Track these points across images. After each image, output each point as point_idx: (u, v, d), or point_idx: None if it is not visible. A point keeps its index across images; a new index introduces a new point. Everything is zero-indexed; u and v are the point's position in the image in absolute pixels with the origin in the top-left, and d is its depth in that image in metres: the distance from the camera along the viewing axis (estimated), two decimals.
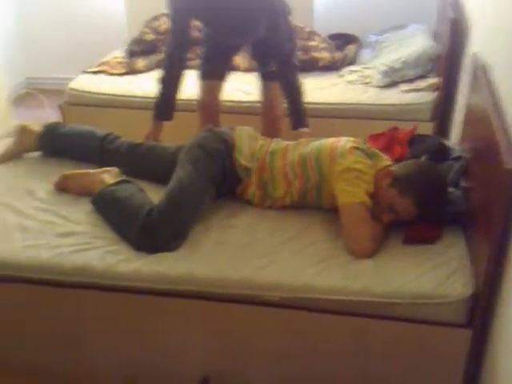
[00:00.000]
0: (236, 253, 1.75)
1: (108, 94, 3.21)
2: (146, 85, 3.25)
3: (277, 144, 2.04)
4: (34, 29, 4.28)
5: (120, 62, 3.54)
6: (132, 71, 3.45)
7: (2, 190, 2.14)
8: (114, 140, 2.31)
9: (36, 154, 2.42)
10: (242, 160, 1.98)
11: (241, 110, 2.96)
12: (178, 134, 2.37)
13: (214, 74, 2.63)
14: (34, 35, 4.29)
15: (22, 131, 2.40)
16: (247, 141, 2.04)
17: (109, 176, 2.10)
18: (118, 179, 2.05)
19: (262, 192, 1.97)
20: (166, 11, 3.64)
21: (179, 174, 1.95)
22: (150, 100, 3.01)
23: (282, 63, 2.43)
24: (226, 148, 2.02)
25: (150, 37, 3.62)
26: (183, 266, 1.70)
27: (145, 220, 1.81)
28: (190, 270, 1.69)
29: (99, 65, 3.53)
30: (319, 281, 1.62)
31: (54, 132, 2.38)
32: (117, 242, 1.83)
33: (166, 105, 2.45)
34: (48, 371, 1.89)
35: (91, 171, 2.14)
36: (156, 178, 2.15)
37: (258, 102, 2.79)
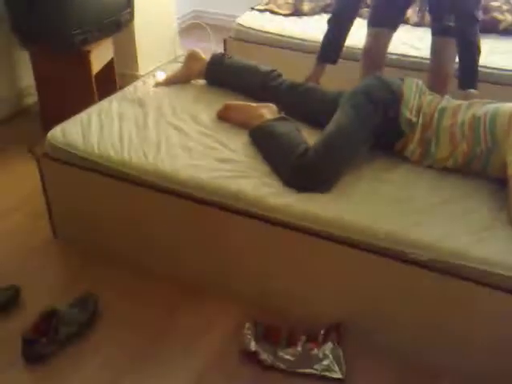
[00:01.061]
0: (388, 205, 1.71)
1: (272, 33, 3.23)
2: (310, 28, 3.24)
3: (448, 101, 1.93)
4: None
5: (287, 3, 3.54)
6: (297, 13, 3.43)
7: (169, 111, 2.26)
8: (276, 77, 2.34)
9: (201, 81, 2.52)
10: (408, 113, 1.91)
11: (406, 65, 2.84)
12: (338, 82, 2.34)
13: (383, 21, 2.53)
14: None
15: (192, 58, 2.50)
16: (416, 94, 1.95)
17: (268, 111, 2.13)
18: (277, 116, 2.08)
19: (423, 150, 1.89)
20: None
21: (339, 117, 1.92)
22: (312, 43, 3.07)
23: (462, 18, 2.26)
24: (393, 98, 1.94)
25: None
26: (334, 209, 1.70)
27: (299, 159, 1.83)
28: (340, 213, 1.68)
29: (267, 3, 3.55)
30: (475, 250, 1.54)
31: (221, 62, 2.45)
32: (270, 175, 1.87)
33: (332, 47, 2.42)
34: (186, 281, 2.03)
35: (252, 104, 2.18)
36: (313, 120, 2.15)
37: (426, 58, 2.66)
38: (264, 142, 2.00)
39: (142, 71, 3.48)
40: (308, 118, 2.16)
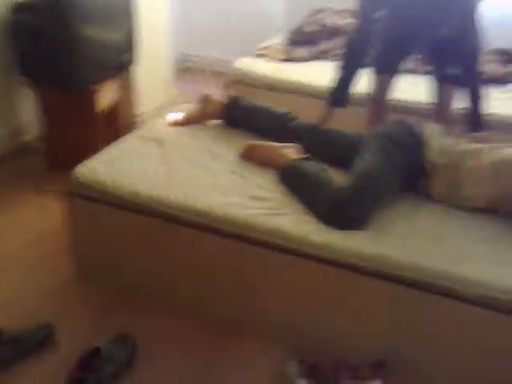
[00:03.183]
0: (429, 241, 1.78)
1: (271, 78, 3.34)
2: (308, 73, 3.37)
3: (468, 143, 2.06)
4: (195, 8, 4.52)
5: (280, 50, 3.68)
6: (292, 59, 3.57)
7: (191, 150, 2.30)
8: (293, 118, 2.42)
9: (215, 122, 2.57)
10: (431, 156, 2.02)
11: (404, 110, 2.97)
12: (343, 127, 2.45)
13: (389, 67, 2.66)
14: (194, 14, 4.53)
15: (207, 100, 2.57)
16: (437, 137, 2.08)
17: (292, 151, 2.21)
18: (303, 156, 2.16)
19: (449, 190, 1.99)
20: (331, 5, 3.79)
21: (368, 158, 2.01)
22: (309, 87, 3.24)
23: (468, 67, 2.43)
24: (415, 142, 2.06)
25: (313, 28, 3.73)
26: (376, 245, 1.76)
27: (334, 198, 1.89)
28: (384, 250, 1.74)
29: (260, 49, 3.68)
30: None
31: (237, 104, 2.52)
32: (306, 212, 1.92)
33: (342, 91, 2.53)
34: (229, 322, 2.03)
35: (276, 144, 2.25)
36: (333, 160, 2.21)
37: (423, 103, 2.82)
38: (295, 181, 2.06)
39: (141, 111, 3.52)
40: (327, 159, 2.23)
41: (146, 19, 3.14)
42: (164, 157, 2.22)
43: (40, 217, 2.54)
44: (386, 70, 2.67)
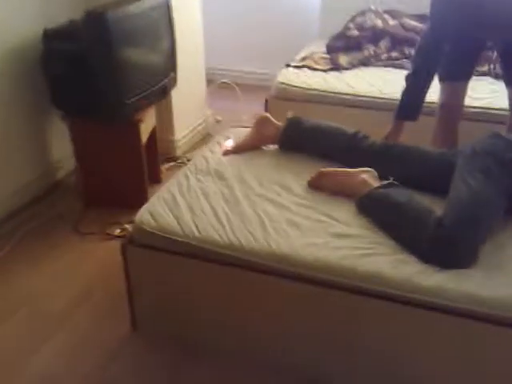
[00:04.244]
0: None
1: (316, 90, 3.11)
2: (357, 81, 3.15)
3: None
4: (222, 21, 4.30)
5: (322, 58, 3.45)
6: (336, 67, 3.34)
7: (253, 182, 2.07)
8: (363, 138, 2.19)
9: (272, 147, 2.35)
10: None
11: (486, 118, 2.72)
12: (413, 139, 2.21)
13: (459, 75, 2.43)
14: (223, 27, 4.31)
15: (263, 122, 2.34)
16: None
17: (369, 177, 1.97)
18: (386, 181, 1.92)
19: None
20: (372, 7, 3.55)
21: (469, 182, 1.75)
22: (358, 98, 3.02)
23: None
24: None
25: (354, 33, 3.50)
26: (495, 287, 1.52)
27: (437, 231, 1.65)
28: (504, 294, 1.50)
29: (302, 59, 3.45)
30: None
31: (298, 126, 2.29)
32: (401, 250, 1.69)
33: (412, 103, 2.29)
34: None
35: (349, 170, 2.02)
36: (418, 184, 1.96)
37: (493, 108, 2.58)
38: (382, 213, 1.82)
39: (177, 135, 3.31)
40: (411, 183, 1.97)
41: (182, 36, 2.92)
42: (226, 194, 2.00)
43: (85, 264, 2.34)
44: (457, 78, 2.44)
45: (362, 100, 3.01)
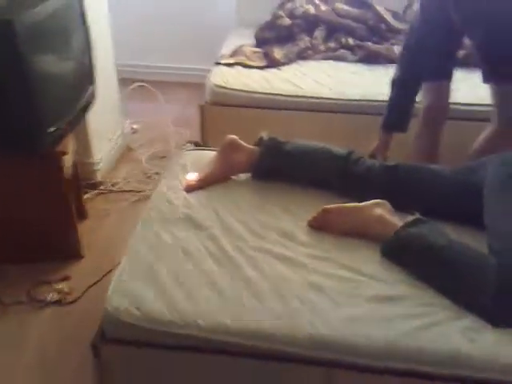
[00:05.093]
0: None
1: (260, 93, 2.69)
2: (298, 81, 2.78)
3: None
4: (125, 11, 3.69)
5: (255, 52, 3.03)
6: (272, 63, 2.94)
7: (241, 229, 1.64)
8: (358, 160, 1.84)
9: (243, 176, 1.92)
10: None
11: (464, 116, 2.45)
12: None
13: (441, 73, 2.17)
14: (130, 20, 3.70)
15: (231, 148, 1.90)
16: None
17: (385, 211, 1.63)
18: (413, 218, 1.58)
19: None
20: None
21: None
22: (309, 100, 2.66)
23: None
24: None
25: (286, 21, 3.11)
26: None
27: (502, 279, 1.35)
28: None
29: (231, 55, 3.01)
30: None
31: (279, 150, 1.88)
32: (456, 309, 1.37)
33: (400, 113, 1.99)
34: None
35: (359, 204, 1.66)
36: (430, 210, 1.67)
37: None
38: (421, 262, 1.48)
39: (96, 156, 2.74)
40: (423, 208, 1.67)
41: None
42: (213, 249, 1.55)
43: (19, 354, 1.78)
44: (438, 76, 2.16)
45: (312, 102, 2.65)
